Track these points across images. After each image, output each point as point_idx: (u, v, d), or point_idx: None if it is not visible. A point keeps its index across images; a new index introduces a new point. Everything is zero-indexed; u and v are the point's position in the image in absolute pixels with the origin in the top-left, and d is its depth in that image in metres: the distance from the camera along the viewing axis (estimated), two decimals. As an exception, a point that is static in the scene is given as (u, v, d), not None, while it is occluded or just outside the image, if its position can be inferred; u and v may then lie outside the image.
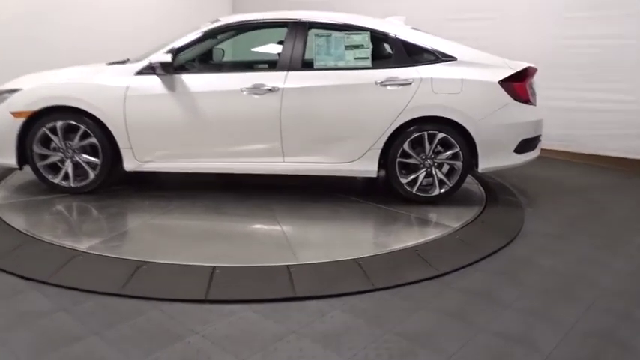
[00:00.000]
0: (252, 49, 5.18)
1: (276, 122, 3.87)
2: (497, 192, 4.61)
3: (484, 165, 4.00)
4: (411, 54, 4.01)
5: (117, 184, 4.36)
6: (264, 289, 2.69)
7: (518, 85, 3.96)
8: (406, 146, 3.95)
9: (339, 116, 3.90)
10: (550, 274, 3.07)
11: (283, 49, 4.01)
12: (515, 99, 3.94)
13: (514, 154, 4.03)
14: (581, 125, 5.96)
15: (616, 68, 5.67)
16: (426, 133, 3.93)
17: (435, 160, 4.00)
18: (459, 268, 3.05)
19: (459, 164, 3.99)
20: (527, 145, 4.08)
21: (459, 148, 3.94)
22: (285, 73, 3.92)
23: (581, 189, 4.99)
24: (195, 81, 3.91)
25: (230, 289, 2.68)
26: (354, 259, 3.03)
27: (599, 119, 5.82)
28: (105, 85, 3.90)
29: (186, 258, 2.95)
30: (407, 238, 3.47)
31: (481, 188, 4.65)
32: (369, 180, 4.60)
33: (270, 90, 3.85)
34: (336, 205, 4.04)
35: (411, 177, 4.03)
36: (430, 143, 3.95)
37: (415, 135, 3.93)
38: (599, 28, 5.71)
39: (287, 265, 2.91)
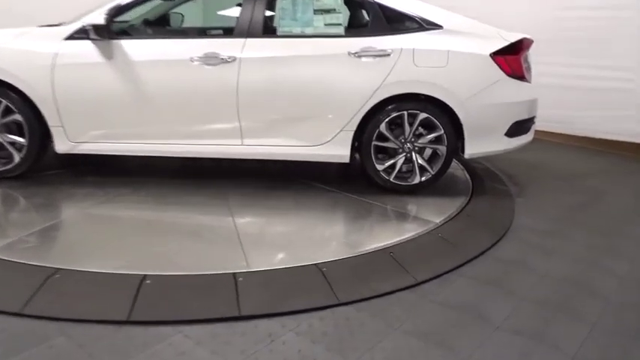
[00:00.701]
0: (209, 13, 4.57)
1: (233, 98, 3.32)
2: (485, 179, 4.14)
3: (471, 150, 3.51)
4: (391, 21, 3.46)
5: (48, 169, 3.78)
6: (203, 306, 2.19)
7: (512, 58, 3.45)
8: (383, 128, 3.43)
9: (306, 92, 3.36)
10: (545, 281, 2.63)
11: (241, 13, 3.43)
12: (508, 75, 3.43)
13: (505, 137, 3.54)
14: (576, 105, 5.49)
15: (615, 42, 5.18)
16: (405, 112, 3.41)
17: (416, 144, 3.50)
18: (439, 274, 2.59)
19: (442, 148, 3.49)
20: (519, 127, 3.59)
21: (442, 131, 3.44)
22: (243, 40, 3.35)
23: (577, 175, 4.55)
24: (136, 48, 3.33)
25: (160, 307, 2.18)
26: (317, 264, 2.55)
27: (597, 98, 5.35)
28: (29, 50, 3.30)
29: (111, 264, 2.43)
30: (381, 235, 2.99)
31: (467, 175, 4.18)
32: (341, 166, 4.06)
33: (224, 60, 3.29)
34: (302, 195, 3.53)
35: (389, 163, 3.53)
36: (410, 125, 3.44)
37: (393, 115, 3.42)
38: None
39: (234, 274, 2.41)
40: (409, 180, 3.58)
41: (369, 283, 2.44)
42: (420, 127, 3.52)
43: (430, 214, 3.28)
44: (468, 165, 4.38)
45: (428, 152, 3.60)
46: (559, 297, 2.48)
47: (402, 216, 3.31)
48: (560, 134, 5.62)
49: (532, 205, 3.69)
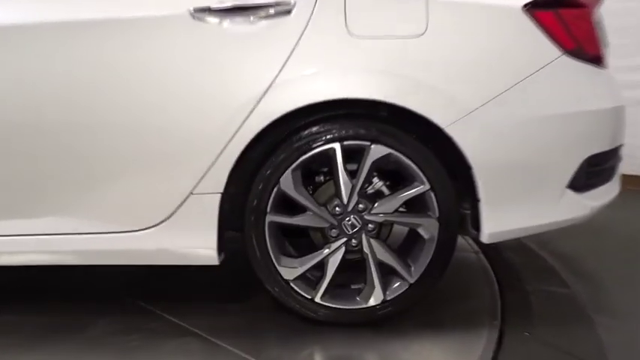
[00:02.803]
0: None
1: None
2: (521, 269, 2.13)
3: (495, 224, 1.53)
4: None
5: None
6: None
7: (573, 14, 1.52)
8: (287, 181, 1.48)
9: (98, 106, 1.43)
10: None
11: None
12: (568, 51, 1.50)
13: (570, 192, 1.56)
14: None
15: None
16: (336, 146, 1.47)
17: (368, 216, 1.53)
18: None
19: (429, 225, 1.52)
20: (597, 169, 1.63)
21: (427, 185, 1.49)
22: None
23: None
24: None
25: None
26: None
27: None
28: None
29: None
30: None
31: (486, 263, 2.17)
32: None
33: None
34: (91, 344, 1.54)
35: (307, 264, 1.55)
36: (353, 174, 1.50)
37: (310, 152, 1.47)
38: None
39: None
40: (358, 299, 1.59)
41: None
42: (375, 179, 1.58)
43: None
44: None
45: (396, 234, 1.64)
46: None
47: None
48: (632, 176, 3.44)
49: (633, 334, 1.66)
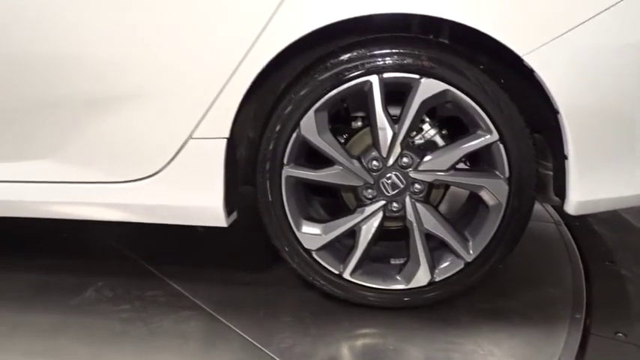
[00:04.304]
0: None
1: None
2: (617, 251, 1.69)
3: (586, 191, 1.13)
4: None
5: None
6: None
7: None
8: (310, 126, 1.15)
9: (73, 36, 1.15)
10: None
11: None
12: None
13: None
14: None
15: None
16: (374, 78, 1.11)
17: (414, 175, 1.17)
18: None
19: (494, 187, 1.15)
20: None
21: (494, 133, 1.11)
22: None
23: None
24: None
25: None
26: None
27: None
28: None
29: None
30: None
31: (569, 238, 1.75)
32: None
33: None
34: (69, 314, 1.31)
35: (339, 230, 1.22)
36: (397, 119, 1.15)
37: (341, 86, 1.13)
38: None
39: None
40: (399, 278, 1.25)
41: None
42: (426, 125, 1.22)
43: None
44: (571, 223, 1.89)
45: (452, 199, 1.28)
46: None
47: None
48: None
49: None
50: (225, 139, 1.17)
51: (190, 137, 1.17)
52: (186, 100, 1.15)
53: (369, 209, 1.21)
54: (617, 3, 1.03)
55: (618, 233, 1.78)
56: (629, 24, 1.06)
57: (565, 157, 1.12)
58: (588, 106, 1.09)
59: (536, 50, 1.05)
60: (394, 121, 1.15)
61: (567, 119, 1.08)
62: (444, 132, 1.26)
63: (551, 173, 1.22)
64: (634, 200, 1.20)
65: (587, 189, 1.13)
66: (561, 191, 1.16)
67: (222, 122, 1.15)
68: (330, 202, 1.41)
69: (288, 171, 1.19)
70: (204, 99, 1.13)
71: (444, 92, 1.11)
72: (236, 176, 1.27)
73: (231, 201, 1.23)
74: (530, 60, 1.06)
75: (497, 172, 1.15)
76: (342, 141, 1.28)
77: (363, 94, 1.14)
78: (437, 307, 1.27)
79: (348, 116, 1.31)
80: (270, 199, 1.21)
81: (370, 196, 1.21)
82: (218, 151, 1.17)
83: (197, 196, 1.22)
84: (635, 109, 1.09)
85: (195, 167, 1.20)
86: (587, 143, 1.11)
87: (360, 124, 1.30)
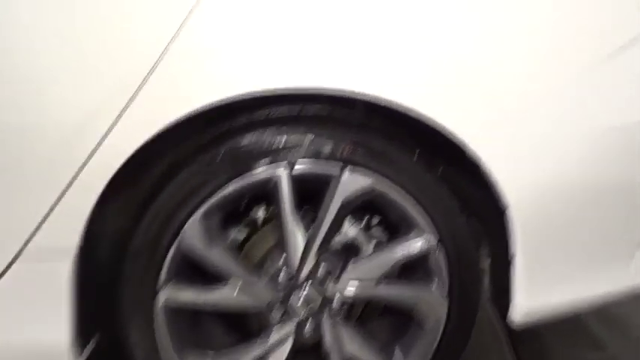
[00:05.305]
0: None
1: None
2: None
3: (535, 295, 0.94)
4: None
5: None
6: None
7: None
8: (192, 231, 0.84)
9: None
10: None
11: None
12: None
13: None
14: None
15: None
16: (282, 172, 0.84)
17: (333, 290, 0.91)
18: None
19: (431, 303, 0.92)
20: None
21: (432, 235, 0.89)
22: None
23: None
24: None
25: None
26: None
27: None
28: None
29: None
30: None
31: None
32: None
33: None
34: None
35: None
36: (317, 218, 0.89)
37: (233, 184, 0.83)
38: None
39: None
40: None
41: None
42: (347, 224, 0.97)
43: None
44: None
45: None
46: None
47: None
48: None
49: None
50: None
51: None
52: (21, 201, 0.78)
53: (274, 335, 0.92)
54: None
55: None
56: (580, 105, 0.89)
57: (509, 258, 0.92)
58: (540, 198, 0.90)
59: (480, 138, 0.84)
60: (310, 220, 0.88)
61: (515, 214, 0.89)
62: (371, 230, 1.01)
63: (488, 276, 1.02)
64: (590, 300, 1.03)
65: (536, 292, 0.94)
66: (504, 298, 0.96)
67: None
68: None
69: (167, 293, 0.86)
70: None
71: (372, 186, 0.87)
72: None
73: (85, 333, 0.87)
74: (475, 147, 0.85)
75: (433, 284, 0.92)
76: (240, 239, 0.97)
77: (268, 188, 0.86)
78: None
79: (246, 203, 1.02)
80: (135, 338, 0.87)
81: (277, 317, 0.92)
82: (58, 272, 0.81)
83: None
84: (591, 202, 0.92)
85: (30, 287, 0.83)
86: (537, 238, 0.92)
87: (261, 214, 1.01)
